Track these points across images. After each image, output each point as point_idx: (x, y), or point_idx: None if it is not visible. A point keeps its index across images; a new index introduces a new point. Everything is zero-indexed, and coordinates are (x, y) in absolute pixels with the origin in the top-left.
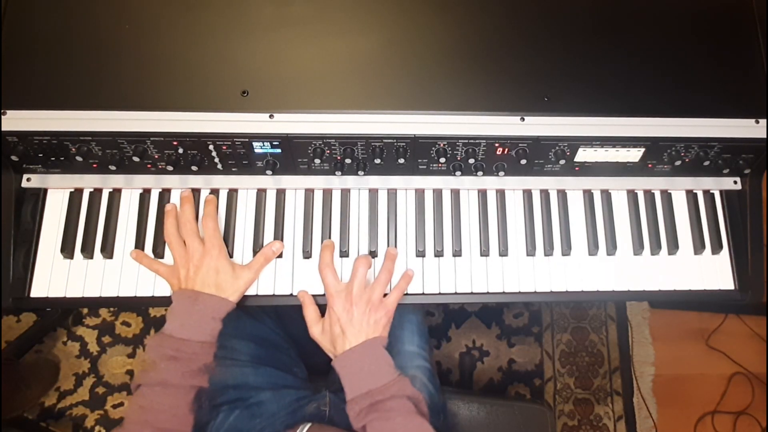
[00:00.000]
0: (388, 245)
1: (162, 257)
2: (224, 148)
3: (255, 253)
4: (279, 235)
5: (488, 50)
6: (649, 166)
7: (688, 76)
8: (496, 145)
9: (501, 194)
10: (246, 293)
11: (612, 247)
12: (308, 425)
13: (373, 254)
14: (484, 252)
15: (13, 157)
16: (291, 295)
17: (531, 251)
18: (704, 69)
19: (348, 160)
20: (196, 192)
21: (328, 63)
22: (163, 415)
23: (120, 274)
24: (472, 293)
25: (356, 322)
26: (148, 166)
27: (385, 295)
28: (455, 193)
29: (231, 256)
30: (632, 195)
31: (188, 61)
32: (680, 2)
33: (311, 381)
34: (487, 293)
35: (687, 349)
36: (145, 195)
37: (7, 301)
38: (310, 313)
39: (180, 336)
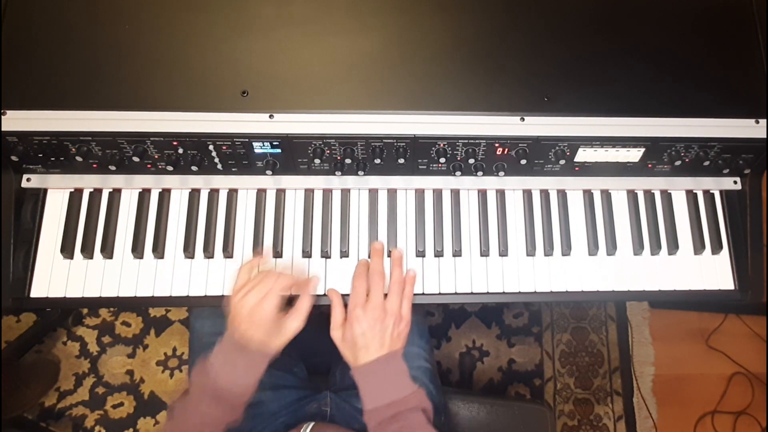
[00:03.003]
0: (388, 245)
1: (162, 257)
2: (224, 148)
3: (255, 253)
4: (279, 235)
5: (488, 50)
6: (649, 166)
7: (688, 76)
8: (496, 145)
9: (501, 194)
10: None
11: (612, 247)
12: (311, 424)
13: None
14: (484, 252)
15: (13, 157)
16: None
17: (531, 251)
18: (704, 69)
19: (348, 160)
20: (195, 192)
21: (328, 63)
22: None
23: (120, 274)
24: (472, 293)
25: (381, 337)
26: (148, 166)
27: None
28: (455, 193)
29: (231, 257)
30: (632, 195)
31: (188, 61)
32: (680, 2)
33: (311, 381)
34: (487, 293)
35: (687, 349)
36: (144, 195)
37: (7, 301)
38: (338, 315)
39: (225, 380)
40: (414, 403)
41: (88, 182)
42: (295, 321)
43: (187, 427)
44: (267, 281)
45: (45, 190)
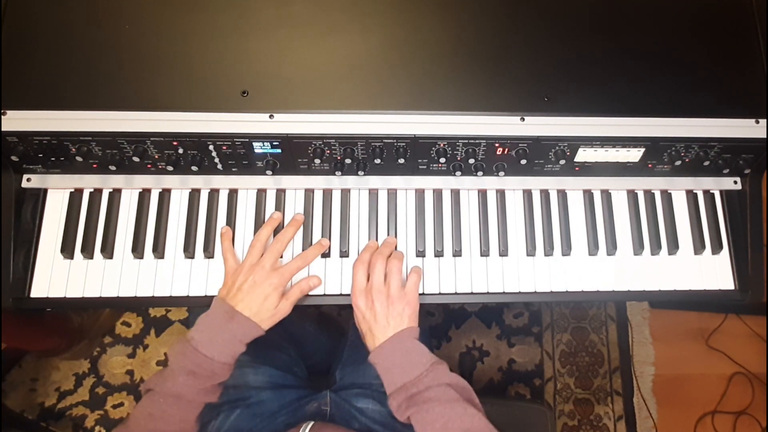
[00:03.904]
0: None
1: (162, 257)
2: (224, 148)
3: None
4: None
5: (488, 50)
6: (649, 166)
7: (688, 76)
8: (496, 145)
9: (501, 194)
10: None
11: (612, 247)
12: (311, 424)
13: None
14: (484, 252)
15: (13, 157)
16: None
17: (531, 251)
18: (704, 69)
19: (348, 160)
20: (196, 192)
21: (328, 63)
22: (171, 427)
23: (120, 274)
24: (472, 293)
25: (380, 318)
26: (148, 166)
27: None
28: (455, 193)
29: None
30: (632, 195)
31: (188, 61)
32: (680, 2)
33: (311, 381)
34: (487, 293)
35: (687, 349)
36: (144, 195)
37: (7, 301)
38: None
39: (204, 352)
40: (427, 381)
41: (88, 182)
42: (286, 305)
43: (164, 399)
44: (278, 272)
45: (45, 190)
